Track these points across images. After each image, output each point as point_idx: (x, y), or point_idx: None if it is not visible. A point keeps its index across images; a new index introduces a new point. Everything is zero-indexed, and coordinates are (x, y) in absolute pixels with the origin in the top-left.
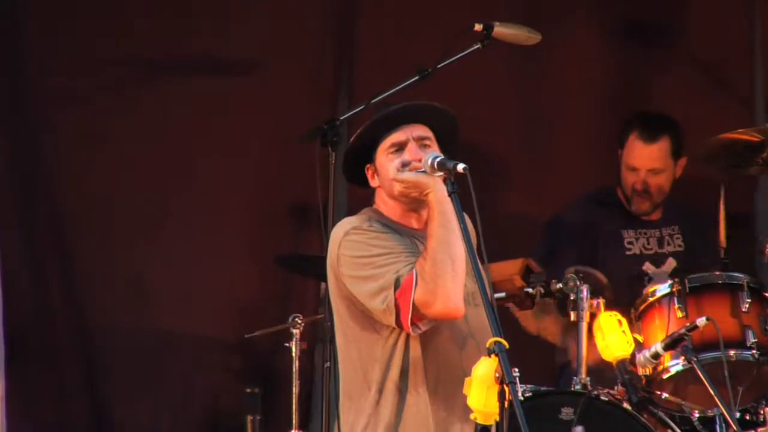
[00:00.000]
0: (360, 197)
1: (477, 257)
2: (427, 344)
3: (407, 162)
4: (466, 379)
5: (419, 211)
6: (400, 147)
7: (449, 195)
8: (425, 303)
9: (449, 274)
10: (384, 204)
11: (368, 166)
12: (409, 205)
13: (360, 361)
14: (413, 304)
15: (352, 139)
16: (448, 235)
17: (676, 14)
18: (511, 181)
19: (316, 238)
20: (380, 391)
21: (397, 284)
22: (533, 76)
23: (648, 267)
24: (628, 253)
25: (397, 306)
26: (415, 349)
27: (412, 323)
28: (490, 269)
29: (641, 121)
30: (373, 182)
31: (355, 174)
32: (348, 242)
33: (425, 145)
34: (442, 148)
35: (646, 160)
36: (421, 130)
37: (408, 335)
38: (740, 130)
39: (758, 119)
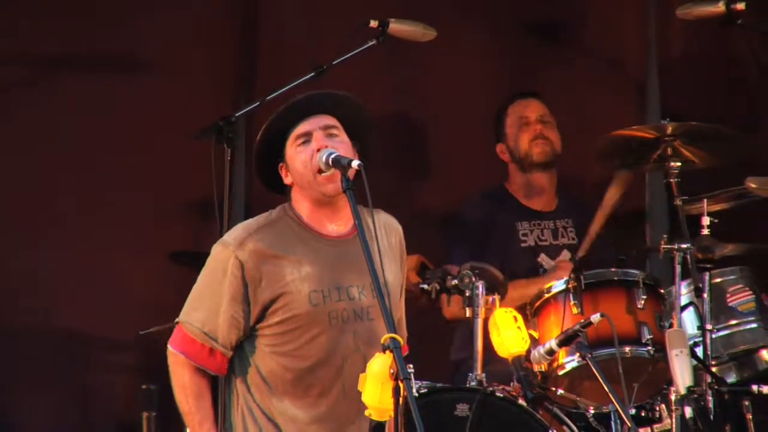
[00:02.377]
0: (260, 194)
1: (375, 263)
2: (297, 362)
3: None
4: (361, 375)
5: (334, 211)
6: (307, 138)
7: (344, 191)
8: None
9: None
10: (297, 203)
11: (281, 164)
12: (323, 201)
13: (234, 366)
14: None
15: (258, 138)
16: None
17: (571, 13)
18: (405, 179)
19: (215, 235)
20: (249, 396)
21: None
22: (425, 72)
23: (543, 259)
24: (523, 245)
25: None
26: (281, 364)
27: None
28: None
29: (512, 95)
30: (287, 179)
31: (269, 177)
32: (212, 252)
33: (332, 135)
34: (351, 137)
35: (533, 109)
36: (327, 120)
37: (276, 352)
38: (635, 126)
39: (651, 117)
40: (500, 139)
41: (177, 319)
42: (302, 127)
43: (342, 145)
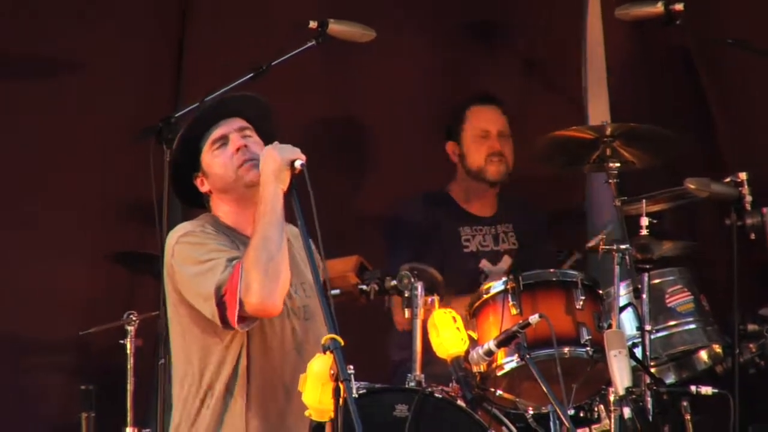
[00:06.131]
0: None
1: (315, 263)
2: (253, 355)
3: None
4: (301, 376)
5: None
6: (223, 142)
7: (289, 192)
8: (244, 298)
9: (264, 269)
10: (219, 210)
11: (195, 175)
12: (247, 197)
13: (194, 363)
14: (239, 299)
15: (173, 150)
16: (268, 229)
17: (512, 13)
18: (344, 180)
19: (155, 236)
20: (208, 395)
21: (222, 282)
22: (364, 74)
23: (485, 264)
24: (465, 250)
25: (223, 302)
26: (245, 358)
27: (240, 319)
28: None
29: (475, 96)
30: (204, 188)
31: (185, 191)
32: (180, 248)
33: (247, 136)
34: (262, 137)
35: (494, 121)
36: (240, 122)
37: (244, 343)
38: (574, 127)
39: (587, 119)
40: (453, 138)
41: (216, 289)
42: (217, 132)
43: (257, 146)
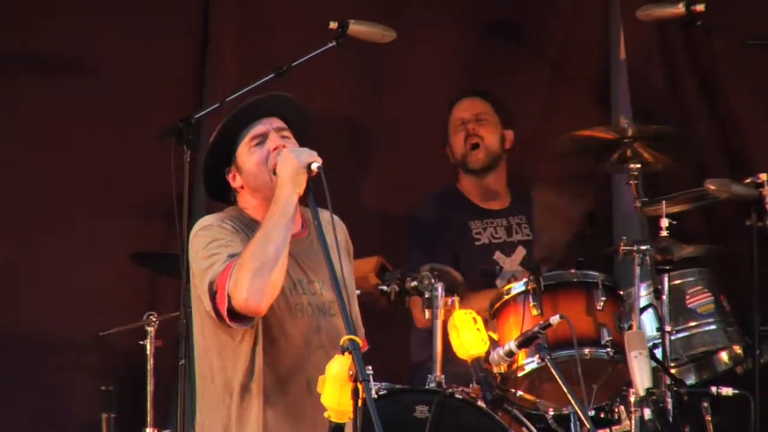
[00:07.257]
0: None
1: (333, 259)
2: (269, 353)
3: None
4: (320, 377)
5: None
6: (262, 139)
7: (305, 193)
8: (231, 293)
9: (256, 267)
10: (248, 205)
11: (227, 168)
12: None
13: (212, 361)
14: (227, 293)
15: (210, 141)
16: (273, 230)
17: (533, 13)
18: (363, 180)
19: (175, 236)
20: (226, 392)
21: (215, 276)
22: (384, 74)
23: (498, 256)
24: (477, 243)
25: (215, 297)
26: (260, 356)
27: (234, 317)
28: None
29: (462, 92)
30: (235, 183)
31: (214, 184)
32: (195, 241)
33: (285, 137)
34: (297, 139)
35: (469, 110)
36: (279, 122)
37: (257, 341)
38: (596, 127)
39: (615, 119)
40: (446, 140)
41: (209, 284)
42: (257, 129)
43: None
